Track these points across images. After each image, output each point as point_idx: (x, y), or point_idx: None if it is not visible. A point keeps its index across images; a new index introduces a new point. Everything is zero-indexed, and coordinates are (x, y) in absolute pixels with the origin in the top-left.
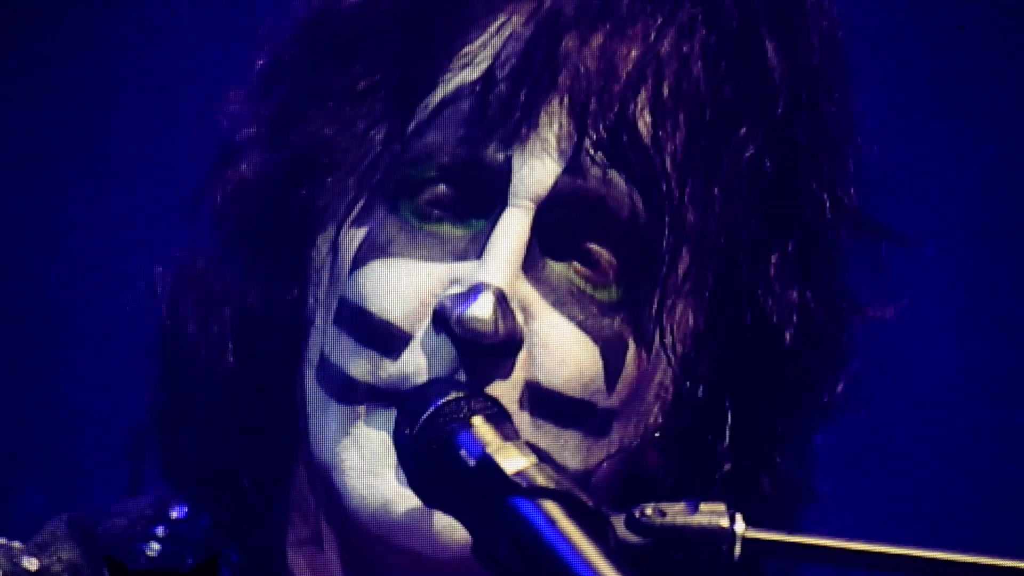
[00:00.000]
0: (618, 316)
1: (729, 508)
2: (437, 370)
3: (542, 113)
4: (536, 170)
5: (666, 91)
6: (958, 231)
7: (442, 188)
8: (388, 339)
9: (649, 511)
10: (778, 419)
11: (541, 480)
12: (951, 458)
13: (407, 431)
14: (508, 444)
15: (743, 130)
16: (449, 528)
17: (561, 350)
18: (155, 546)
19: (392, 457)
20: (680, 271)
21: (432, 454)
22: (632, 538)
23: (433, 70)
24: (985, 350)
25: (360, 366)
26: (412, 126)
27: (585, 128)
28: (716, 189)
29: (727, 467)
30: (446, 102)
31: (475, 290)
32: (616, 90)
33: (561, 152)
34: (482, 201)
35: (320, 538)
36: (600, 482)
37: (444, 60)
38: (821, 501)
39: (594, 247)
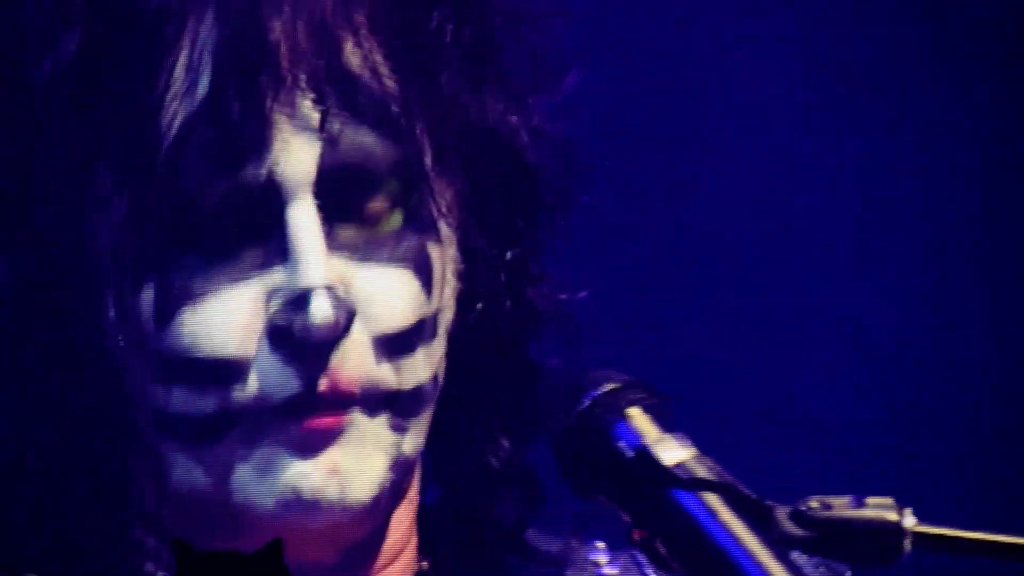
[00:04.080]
0: (408, 234)
1: (897, 502)
2: (290, 387)
3: (279, 105)
4: (298, 158)
5: (365, 20)
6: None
7: (215, 223)
8: (229, 373)
9: (814, 504)
10: (532, 231)
11: (702, 472)
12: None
13: (562, 423)
14: (667, 436)
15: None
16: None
17: (385, 295)
18: None
19: (280, 453)
20: (427, 152)
21: (588, 446)
22: (796, 531)
23: (153, 113)
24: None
25: (211, 404)
26: (160, 173)
27: (320, 94)
28: (428, 64)
29: (502, 279)
30: (182, 137)
31: (304, 299)
32: (325, 41)
33: (311, 132)
34: (263, 215)
35: None
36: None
37: (159, 98)
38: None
39: (373, 203)
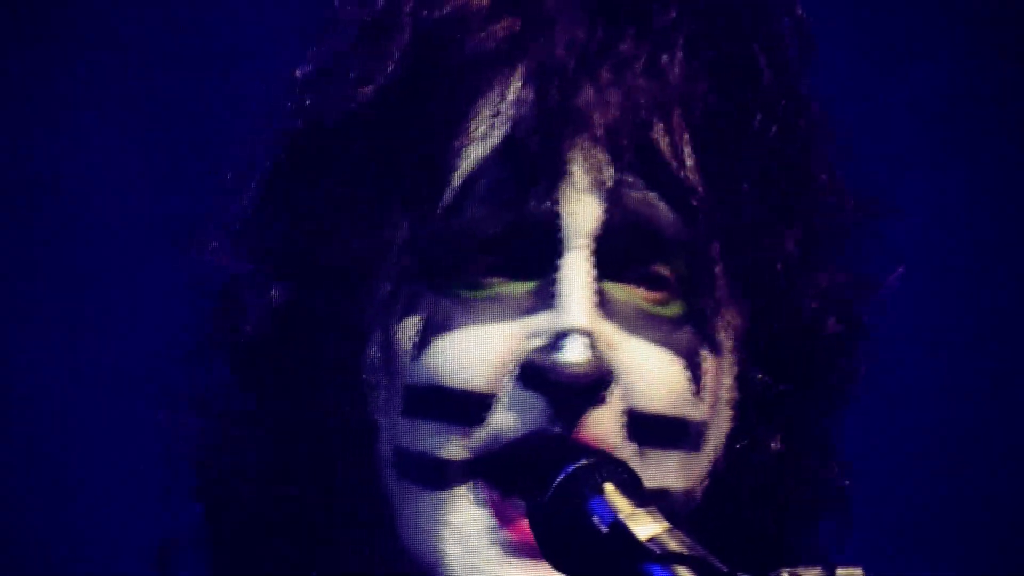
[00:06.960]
0: (687, 328)
1: (866, 573)
2: (530, 423)
3: (573, 154)
4: (584, 208)
5: (680, 110)
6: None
7: (493, 256)
8: (472, 408)
9: (785, 575)
10: (820, 402)
11: (674, 546)
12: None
13: (539, 498)
14: (640, 511)
15: (751, 131)
16: None
17: (651, 372)
18: None
19: (490, 538)
20: (721, 275)
21: (564, 520)
22: None
23: (445, 155)
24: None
25: (450, 444)
26: (442, 209)
27: (619, 156)
28: (739, 188)
29: (779, 452)
30: (473, 177)
31: (562, 336)
32: (636, 117)
33: (600, 186)
34: (537, 256)
35: None
36: (703, 500)
37: (453, 142)
38: None
39: (652, 267)
